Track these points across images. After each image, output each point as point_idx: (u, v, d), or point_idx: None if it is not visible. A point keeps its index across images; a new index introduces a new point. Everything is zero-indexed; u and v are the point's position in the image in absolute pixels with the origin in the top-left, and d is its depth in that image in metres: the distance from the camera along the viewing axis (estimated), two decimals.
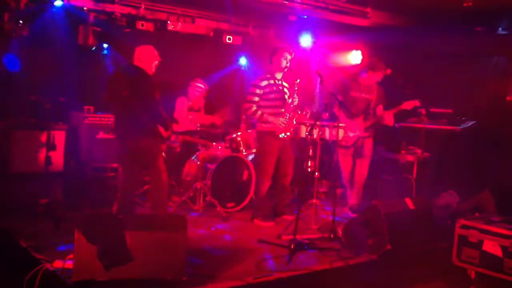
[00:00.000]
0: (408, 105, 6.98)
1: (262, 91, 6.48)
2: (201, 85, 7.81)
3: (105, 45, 7.99)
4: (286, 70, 6.53)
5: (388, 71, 7.10)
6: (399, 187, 7.65)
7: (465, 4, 7.00)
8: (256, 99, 6.48)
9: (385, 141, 8.40)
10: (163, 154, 6.20)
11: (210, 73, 9.00)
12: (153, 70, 5.78)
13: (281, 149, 6.58)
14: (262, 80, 6.53)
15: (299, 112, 6.66)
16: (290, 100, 6.47)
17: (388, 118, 7.10)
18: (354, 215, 6.91)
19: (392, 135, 8.32)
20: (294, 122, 6.53)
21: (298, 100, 6.51)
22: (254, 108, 6.46)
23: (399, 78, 7.17)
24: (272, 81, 6.53)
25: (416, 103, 6.94)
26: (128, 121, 5.59)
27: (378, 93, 7.18)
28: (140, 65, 5.70)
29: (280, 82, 6.59)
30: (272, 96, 6.51)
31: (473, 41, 8.20)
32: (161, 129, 5.73)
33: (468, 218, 5.47)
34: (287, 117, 6.44)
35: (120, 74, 5.80)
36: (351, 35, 8.53)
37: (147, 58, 5.71)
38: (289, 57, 6.50)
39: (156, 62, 5.79)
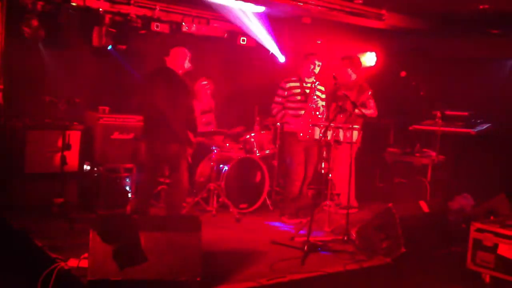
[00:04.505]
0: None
1: (286, 92, 6.72)
2: (205, 82, 7.85)
3: (120, 46, 8.01)
4: (313, 75, 6.66)
5: (403, 74, 7.07)
6: (413, 190, 7.61)
7: (481, 7, 6.96)
8: (279, 99, 6.75)
9: (400, 144, 8.37)
10: (189, 158, 6.24)
11: (224, 75, 9.01)
12: (183, 71, 5.81)
13: (306, 150, 6.71)
14: (288, 82, 6.76)
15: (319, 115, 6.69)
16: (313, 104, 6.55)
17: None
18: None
19: (407, 137, 8.29)
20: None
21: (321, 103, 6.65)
22: (277, 108, 6.74)
23: (414, 80, 7.14)
24: (297, 84, 6.71)
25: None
26: (160, 126, 5.62)
27: (359, 90, 7.24)
28: (174, 68, 5.73)
29: (309, 85, 6.69)
30: (294, 98, 6.68)
31: (489, 44, 8.15)
32: (191, 135, 5.78)
33: (483, 222, 5.42)
34: (308, 115, 6.51)
35: (156, 77, 5.80)
36: (366, 37, 8.51)
37: (180, 61, 5.74)
38: (317, 63, 6.67)
39: (188, 64, 5.82)
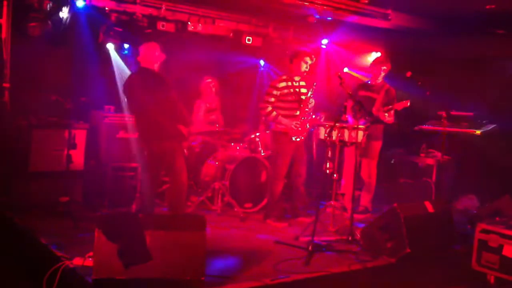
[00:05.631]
0: (399, 106, 6.83)
1: (279, 92, 6.50)
2: (209, 79, 7.85)
3: (126, 46, 8.04)
4: (305, 74, 6.54)
5: (408, 74, 7.05)
6: (418, 190, 7.60)
7: (487, 6, 6.95)
8: (272, 99, 6.50)
9: (405, 144, 8.35)
10: (185, 151, 6.22)
11: (230, 74, 9.02)
12: (158, 66, 5.81)
13: (295, 150, 6.59)
14: (280, 81, 6.55)
15: (313, 116, 6.64)
16: (307, 103, 6.49)
17: (383, 117, 6.90)
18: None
19: (412, 137, 8.27)
20: (308, 126, 6.55)
21: (314, 103, 6.54)
22: (270, 108, 6.48)
23: (419, 80, 7.11)
24: (289, 83, 6.54)
25: (405, 104, 6.79)
26: (149, 125, 5.64)
27: (387, 95, 7.05)
28: (146, 66, 5.74)
29: (297, 84, 6.60)
30: (288, 98, 6.52)
31: (495, 44, 8.13)
32: (182, 128, 5.78)
33: (488, 223, 5.41)
34: (302, 120, 6.45)
35: (134, 79, 5.84)
36: (371, 36, 8.49)
37: (150, 56, 5.74)
38: (309, 61, 6.52)
39: (160, 57, 5.81)
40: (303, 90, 6.58)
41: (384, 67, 7.03)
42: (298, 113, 6.49)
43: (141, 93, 5.62)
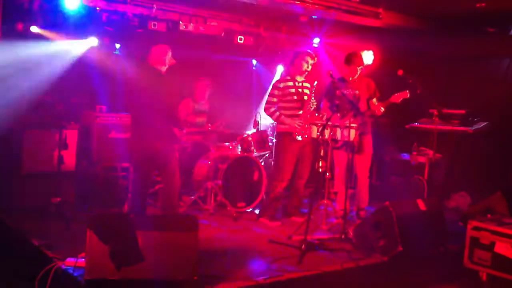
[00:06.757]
0: (396, 97, 6.68)
1: (280, 92, 6.57)
2: (207, 82, 7.87)
3: (117, 45, 8.02)
4: (306, 73, 6.58)
5: (400, 72, 7.04)
6: (410, 188, 7.62)
7: (478, 5, 6.98)
8: (275, 99, 6.59)
9: (397, 142, 8.37)
10: (177, 153, 6.23)
11: (221, 74, 9.01)
12: (166, 69, 5.82)
13: (300, 150, 6.61)
14: (281, 81, 6.64)
15: (316, 114, 6.64)
16: (310, 104, 6.51)
17: (379, 111, 6.75)
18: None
19: (404, 136, 8.29)
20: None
21: (316, 103, 6.55)
22: (273, 109, 6.56)
23: (410, 78, 7.10)
24: (291, 83, 6.60)
25: (404, 95, 6.67)
26: (146, 123, 5.63)
27: (368, 88, 6.88)
28: (155, 66, 5.75)
29: (300, 84, 6.63)
30: (289, 98, 6.57)
31: (485, 42, 8.16)
32: (176, 130, 5.79)
33: (480, 220, 5.44)
34: (304, 119, 6.46)
35: (138, 77, 5.84)
36: (363, 35, 8.50)
37: (160, 58, 5.75)
38: (310, 61, 6.55)
39: (170, 61, 5.83)
40: (306, 91, 6.63)
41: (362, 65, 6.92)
42: (300, 112, 6.53)
43: (142, 91, 5.63)
